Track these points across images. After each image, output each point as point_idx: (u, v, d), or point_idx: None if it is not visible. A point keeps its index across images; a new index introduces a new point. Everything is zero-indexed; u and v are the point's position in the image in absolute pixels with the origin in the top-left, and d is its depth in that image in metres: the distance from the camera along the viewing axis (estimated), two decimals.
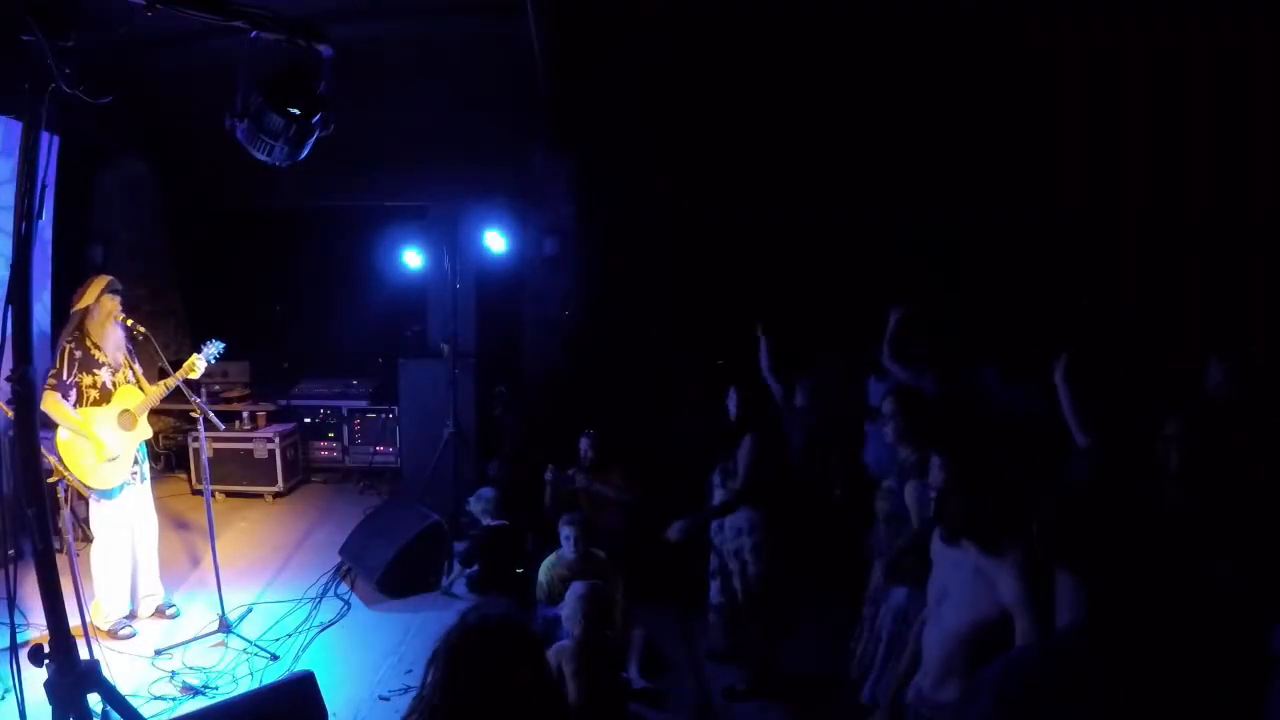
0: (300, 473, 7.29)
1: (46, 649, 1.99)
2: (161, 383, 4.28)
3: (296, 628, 4.42)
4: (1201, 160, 5.60)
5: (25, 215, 1.99)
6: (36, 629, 3.77)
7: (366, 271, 7.18)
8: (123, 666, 3.83)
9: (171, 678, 3.80)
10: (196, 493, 6.48)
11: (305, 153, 2.38)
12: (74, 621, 2.20)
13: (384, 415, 7.33)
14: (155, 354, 4.19)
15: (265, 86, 2.25)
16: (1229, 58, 5.28)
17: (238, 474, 6.81)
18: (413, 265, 6.11)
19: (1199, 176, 5.65)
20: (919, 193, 6.42)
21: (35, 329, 2.12)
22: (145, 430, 4.28)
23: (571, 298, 6.80)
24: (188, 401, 4.20)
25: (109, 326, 4.14)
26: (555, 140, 6.68)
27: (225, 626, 4.22)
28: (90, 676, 2.05)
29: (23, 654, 2.10)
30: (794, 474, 4.55)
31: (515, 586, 4.71)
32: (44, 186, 2.01)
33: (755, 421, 3.91)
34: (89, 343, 4.09)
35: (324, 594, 4.90)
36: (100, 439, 4.04)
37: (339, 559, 5.25)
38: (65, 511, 4.56)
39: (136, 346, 4.33)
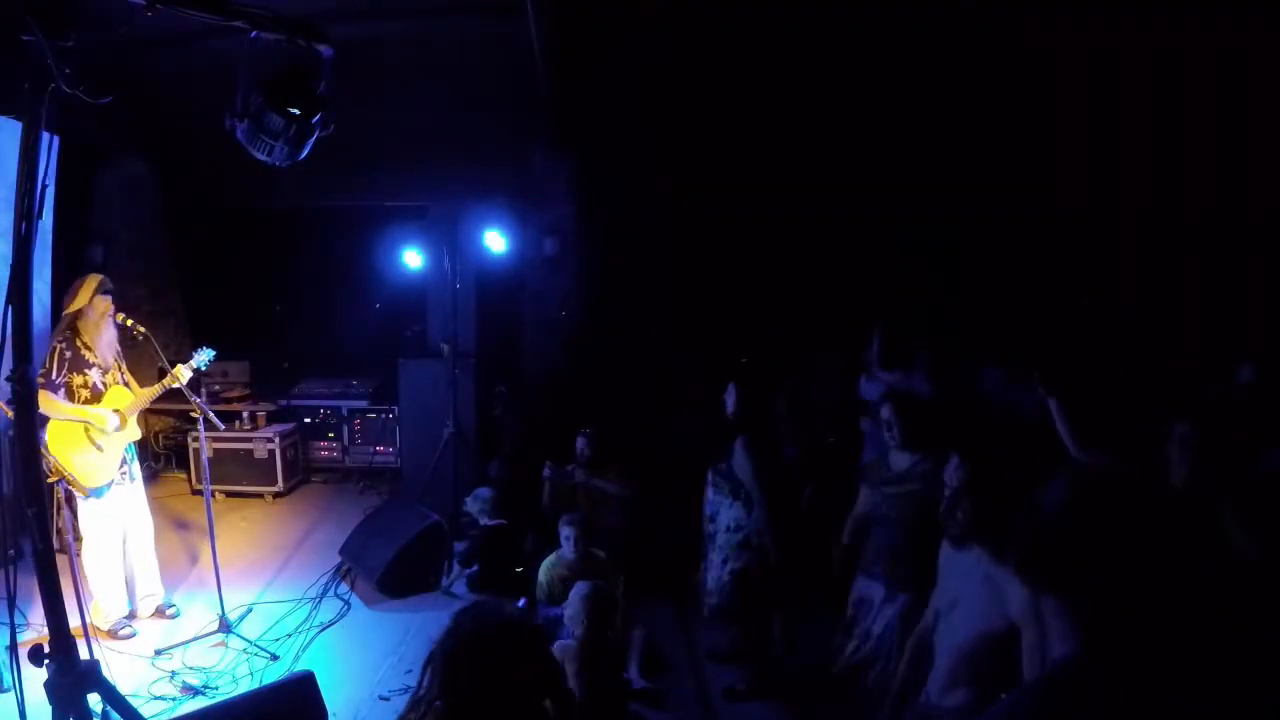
0: (300, 473, 7.29)
1: (46, 649, 1.99)
2: (150, 387, 4.31)
3: (296, 628, 4.42)
4: (1201, 160, 5.60)
5: (25, 215, 1.99)
6: (35, 629, 3.78)
7: (366, 271, 7.18)
8: (123, 666, 3.83)
9: (171, 678, 3.80)
10: (196, 493, 6.48)
11: (305, 153, 2.37)
12: (74, 623, 2.20)
13: (384, 415, 7.34)
14: (155, 354, 4.19)
15: (265, 86, 2.25)
16: (1229, 58, 5.28)
17: (238, 474, 6.81)
18: (413, 265, 6.11)
19: (1199, 177, 5.65)
20: (919, 193, 6.42)
21: (35, 329, 2.12)
22: (134, 431, 4.29)
23: (569, 298, 6.81)
24: (188, 401, 4.20)
25: (102, 326, 4.14)
26: (555, 140, 6.68)
27: (225, 626, 4.22)
28: (90, 676, 2.05)
29: (23, 654, 2.10)
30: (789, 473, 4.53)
31: (515, 586, 4.72)
32: (44, 186, 2.01)
33: (750, 420, 3.89)
34: (80, 342, 4.09)
35: (324, 594, 4.90)
36: (99, 415, 4.07)
37: (339, 559, 5.26)
38: (65, 511, 4.56)
39: (136, 346, 4.33)
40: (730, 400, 3.97)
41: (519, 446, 6.37)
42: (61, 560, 2.50)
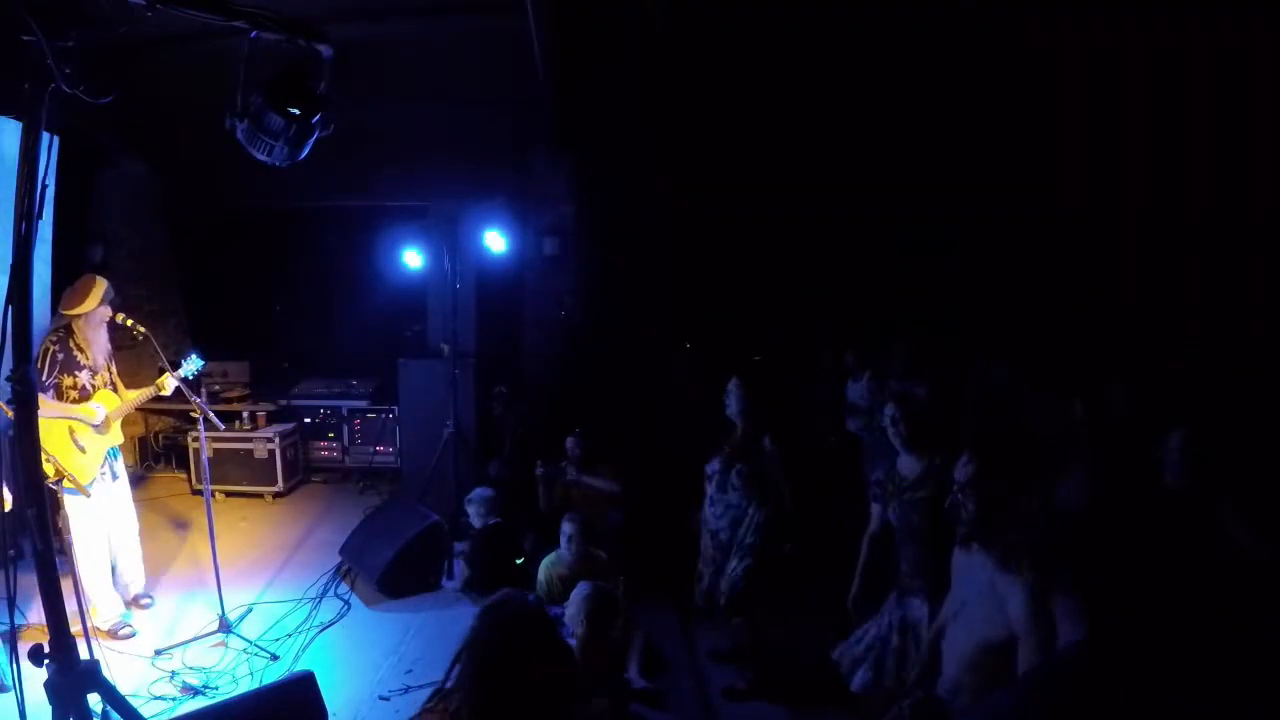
0: (300, 473, 7.29)
1: (46, 649, 1.99)
2: (137, 391, 4.32)
3: (296, 628, 4.41)
4: (1201, 160, 5.61)
5: (25, 215, 1.99)
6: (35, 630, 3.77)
7: (366, 271, 7.18)
8: (123, 666, 3.83)
9: (171, 678, 3.80)
10: (196, 492, 6.48)
11: (305, 153, 2.38)
12: (74, 625, 2.20)
13: (384, 415, 7.33)
14: (155, 354, 4.19)
15: (265, 86, 2.25)
16: (1229, 58, 5.28)
17: (238, 474, 6.81)
18: (413, 265, 6.10)
19: (1199, 176, 5.65)
20: (919, 193, 6.43)
21: (35, 329, 2.12)
22: (117, 436, 4.31)
23: (569, 298, 6.81)
24: (188, 401, 4.20)
25: (100, 331, 4.16)
26: (555, 140, 6.68)
27: (225, 626, 4.22)
28: (90, 676, 2.05)
29: (23, 653, 2.10)
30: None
31: (514, 583, 4.71)
32: (44, 186, 2.01)
33: (766, 420, 3.86)
34: (74, 344, 4.10)
35: (324, 594, 4.90)
36: (87, 409, 4.08)
37: (339, 559, 5.25)
38: (64, 511, 4.56)
39: (136, 346, 4.33)
40: (732, 400, 3.95)
41: (518, 446, 6.37)
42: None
